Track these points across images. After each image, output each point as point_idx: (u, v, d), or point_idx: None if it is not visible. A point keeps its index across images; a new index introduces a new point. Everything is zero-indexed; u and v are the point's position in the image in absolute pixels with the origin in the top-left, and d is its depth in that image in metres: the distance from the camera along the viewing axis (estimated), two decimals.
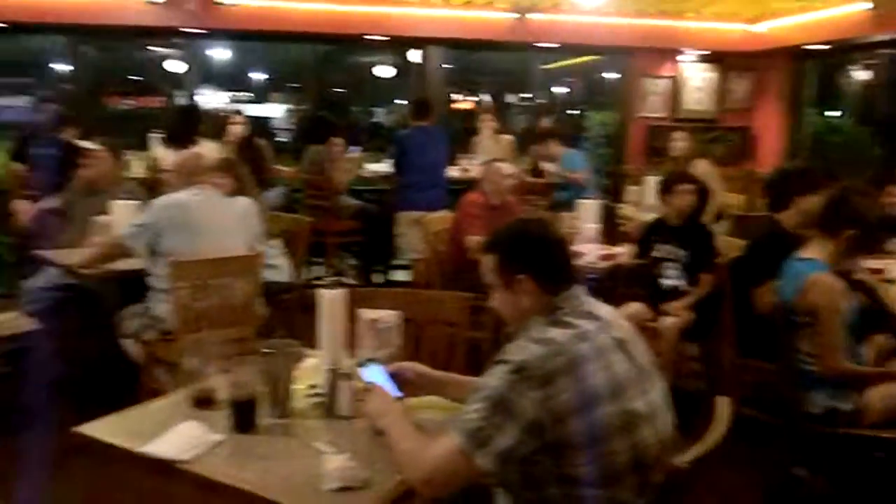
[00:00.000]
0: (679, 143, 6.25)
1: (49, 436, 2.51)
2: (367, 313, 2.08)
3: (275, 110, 8.37)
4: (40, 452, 1.91)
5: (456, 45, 8.11)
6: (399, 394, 1.84)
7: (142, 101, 9.35)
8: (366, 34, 7.66)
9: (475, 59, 8.66)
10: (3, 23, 6.79)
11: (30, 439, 2.51)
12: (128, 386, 3.46)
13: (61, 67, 7.90)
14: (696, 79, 8.49)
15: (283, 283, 4.32)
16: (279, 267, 4.36)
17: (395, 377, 1.89)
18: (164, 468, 1.73)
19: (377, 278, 6.69)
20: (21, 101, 8.33)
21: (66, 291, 4.02)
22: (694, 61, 8.47)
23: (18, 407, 3.64)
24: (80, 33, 7.31)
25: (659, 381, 1.74)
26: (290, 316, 4.16)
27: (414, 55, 8.29)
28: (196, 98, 8.37)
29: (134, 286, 3.73)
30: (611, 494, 1.61)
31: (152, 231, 3.45)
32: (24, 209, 4.94)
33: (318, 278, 6.11)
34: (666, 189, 4.27)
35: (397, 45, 8.37)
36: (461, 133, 7.07)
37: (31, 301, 4.12)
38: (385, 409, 1.78)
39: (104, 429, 1.92)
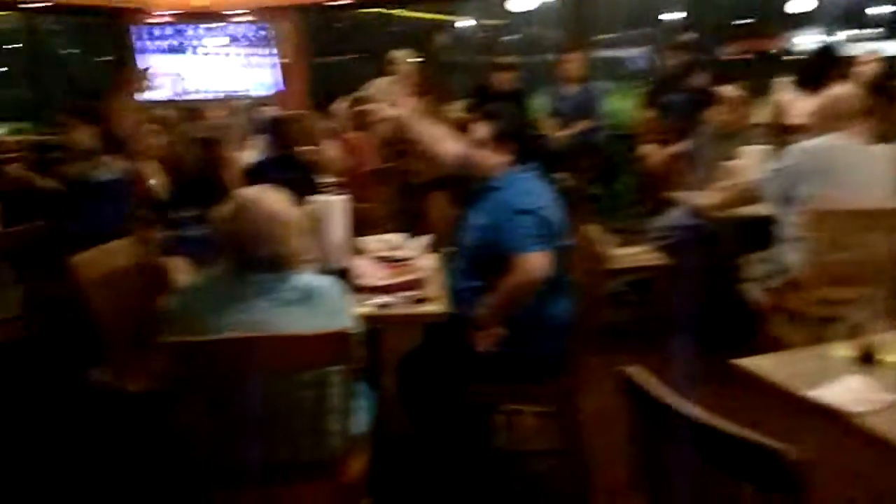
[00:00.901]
0: None
1: (680, 362, 2.71)
2: None
3: None
4: (677, 376, 2.05)
5: None
6: None
7: (756, 44, 9.22)
8: None
9: None
10: None
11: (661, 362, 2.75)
12: (742, 330, 3.52)
13: (682, 15, 8.26)
14: None
15: None
16: None
17: None
18: (830, 416, 1.70)
19: None
20: (646, 50, 8.96)
21: (690, 232, 4.27)
22: None
23: (641, 331, 4.03)
24: None
25: None
26: None
27: None
28: (820, 39, 7.95)
29: (756, 232, 3.76)
30: None
31: (789, 176, 3.40)
32: (653, 153, 5.35)
33: None
34: None
35: None
36: None
37: (658, 238, 4.50)
38: None
39: (758, 366, 1.98)
